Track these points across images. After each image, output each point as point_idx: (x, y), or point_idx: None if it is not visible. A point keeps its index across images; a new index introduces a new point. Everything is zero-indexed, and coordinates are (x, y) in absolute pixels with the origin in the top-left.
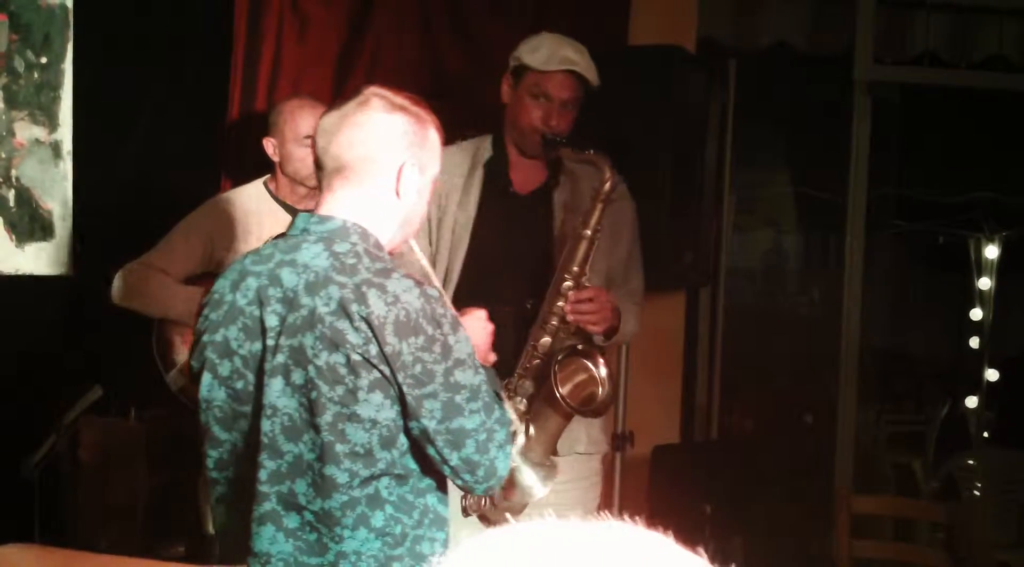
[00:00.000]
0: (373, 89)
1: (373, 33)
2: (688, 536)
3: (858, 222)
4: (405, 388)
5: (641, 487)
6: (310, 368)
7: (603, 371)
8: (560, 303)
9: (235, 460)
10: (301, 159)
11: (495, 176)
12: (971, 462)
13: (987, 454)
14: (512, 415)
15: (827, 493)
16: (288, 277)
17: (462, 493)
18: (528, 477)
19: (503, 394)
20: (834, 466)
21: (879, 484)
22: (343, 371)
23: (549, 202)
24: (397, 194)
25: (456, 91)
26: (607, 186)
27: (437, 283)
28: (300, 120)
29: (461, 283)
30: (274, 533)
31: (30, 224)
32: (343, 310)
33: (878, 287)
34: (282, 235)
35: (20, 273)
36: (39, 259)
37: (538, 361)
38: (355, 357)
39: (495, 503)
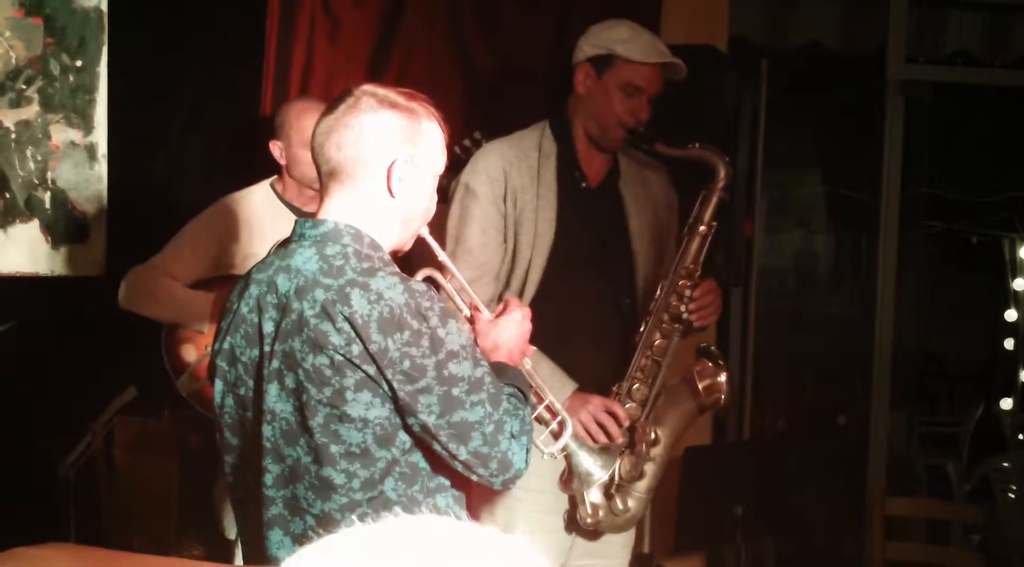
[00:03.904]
0: (364, 87)
1: (404, 34)
2: (719, 537)
3: (891, 222)
4: (396, 385)
5: (672, 488)
6: (299, 371)
7: (724, 376)
8: (674, 302)
9: (245, 465)
10: (309, 162)
11: (568, 169)
12: (1006, 464)
13: (1022, 456)
14: (558, 407)
15: (860, 495)
16: (282, 283)
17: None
18: (585, 462)
19: (529, 393)
20: (867, 468)
21: (912, 486)
22: (328, 373)
23: (618, 194)
24: (390, 192)
25: (485, 90)
26: (723, 183)
27: (460, 277)
28: (306, 123)
29: (545, 279)
30: (281, 537)
31: (65, 226)
32: (325, 312)
33: (911, 288)
34: (287, 241)
35: (56, 274)
36: (74, 260)
37: (650, 361)
38: (338, 358)
39: (598, 525)
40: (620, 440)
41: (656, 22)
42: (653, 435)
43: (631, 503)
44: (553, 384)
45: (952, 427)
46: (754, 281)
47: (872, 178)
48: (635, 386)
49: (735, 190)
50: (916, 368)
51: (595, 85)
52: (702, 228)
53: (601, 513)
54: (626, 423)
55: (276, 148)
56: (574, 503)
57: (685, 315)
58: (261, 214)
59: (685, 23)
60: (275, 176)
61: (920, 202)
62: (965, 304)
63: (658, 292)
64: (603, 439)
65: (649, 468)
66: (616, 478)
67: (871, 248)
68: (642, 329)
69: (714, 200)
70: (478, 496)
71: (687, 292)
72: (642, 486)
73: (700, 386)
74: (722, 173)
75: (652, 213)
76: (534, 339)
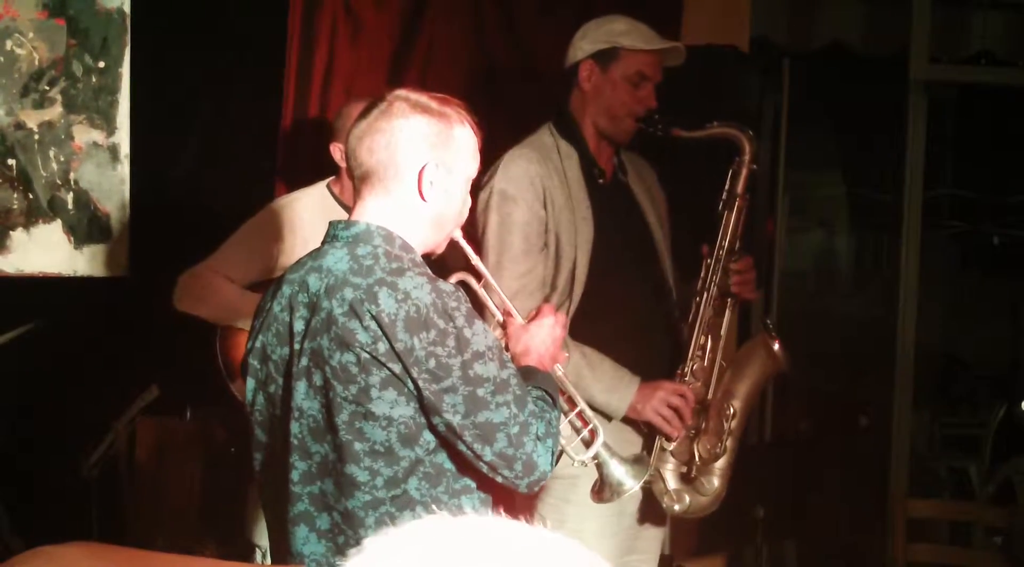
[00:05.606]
0: (397, 92)
1: (425, 36)
2: (741, 539)
3: (913, 223)
4: (421, 384)
5: None
6: (326, 369)
7: (777, 345)
8: (723, 277)
9: (274, 462)
10: None
11: (588, 167)
12: None
13: None
14: (590, 414)
15: (882, 496)
16: (313, 282)
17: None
18: (616, 471)
19: (558, 396)
20: (889, 469)
21: (934, 488)
22: (354, 370)
23: (629, 189)
24: (421, 196)
25: (506, 91)
26: (749, 156)
27: (492, 280)
28: None
29: (590, 278)
30: (307, 534)
31: (88, 226)
32: (353, 311)
33: (933, 288)
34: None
35: (78, 274)
36: (96, 261)
37: (708, 338)
38: (364, 356)
39: (687, 511)
40: (691, 422)
41: (678, 23)
42: (732, 409)
43: (715, 480)
44: (617, 381)
45: (974, 428)
46: (776, 282)
47: (895, 178)
48: (696, 366)
49: (756, 191)
50: (938, 369)
51: (601, 80)
52: (738, 202)
53: (688, 498)
54: (694, 405)
55: (337, 150)
56: (650, 495)
57: (734, 289)
58: (317, 216)
59: (707, 24)
60: (332, 177)
61: (942, 202)
62: (987, 305)
63: (704, 271)
64: (678, 424)
65: (730, 443)
66: (697, 459)
67: (893, 249)
68: (694, 308)
69: (744, 172)
70: (540, 502)
71: (732, 266)
72: (723, 461)
73: (775, 349)
74: (747, 145)
75: (656, 206)
76: (588, 339)
